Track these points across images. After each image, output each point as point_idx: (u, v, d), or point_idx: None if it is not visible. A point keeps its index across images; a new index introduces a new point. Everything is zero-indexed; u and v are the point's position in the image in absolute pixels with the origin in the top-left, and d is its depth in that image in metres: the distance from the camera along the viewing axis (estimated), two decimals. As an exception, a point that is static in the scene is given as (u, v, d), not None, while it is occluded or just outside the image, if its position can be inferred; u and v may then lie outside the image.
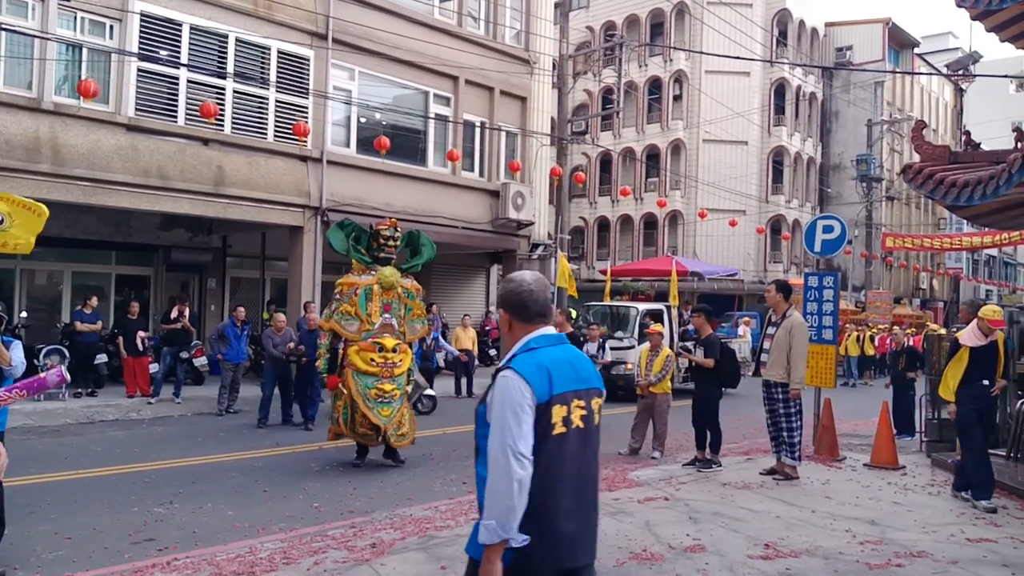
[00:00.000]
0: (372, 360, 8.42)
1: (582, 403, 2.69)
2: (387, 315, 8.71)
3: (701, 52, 29.53)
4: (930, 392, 10.85)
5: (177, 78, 14.04)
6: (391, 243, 8.92)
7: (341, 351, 8.81)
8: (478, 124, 19.06)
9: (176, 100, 14.01)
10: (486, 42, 18.98)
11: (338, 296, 8.79)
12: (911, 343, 16.57)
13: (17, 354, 5.43)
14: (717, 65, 33.07)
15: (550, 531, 2.58)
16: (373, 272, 8.81)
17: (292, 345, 11.78)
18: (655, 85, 36.69)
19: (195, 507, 6.91)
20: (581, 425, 2.67)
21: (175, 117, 13.95)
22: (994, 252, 49.38)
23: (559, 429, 2.60)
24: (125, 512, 6.70)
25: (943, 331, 12.10)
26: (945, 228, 44.85)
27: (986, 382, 7.34)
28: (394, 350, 8.56)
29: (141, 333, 13.20)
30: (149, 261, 17.16)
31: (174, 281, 17.35)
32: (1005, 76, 30.13)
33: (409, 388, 9.00)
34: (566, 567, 2.64)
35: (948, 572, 5.23)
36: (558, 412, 2.60)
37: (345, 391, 8.53)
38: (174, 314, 13.41)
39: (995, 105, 55.11)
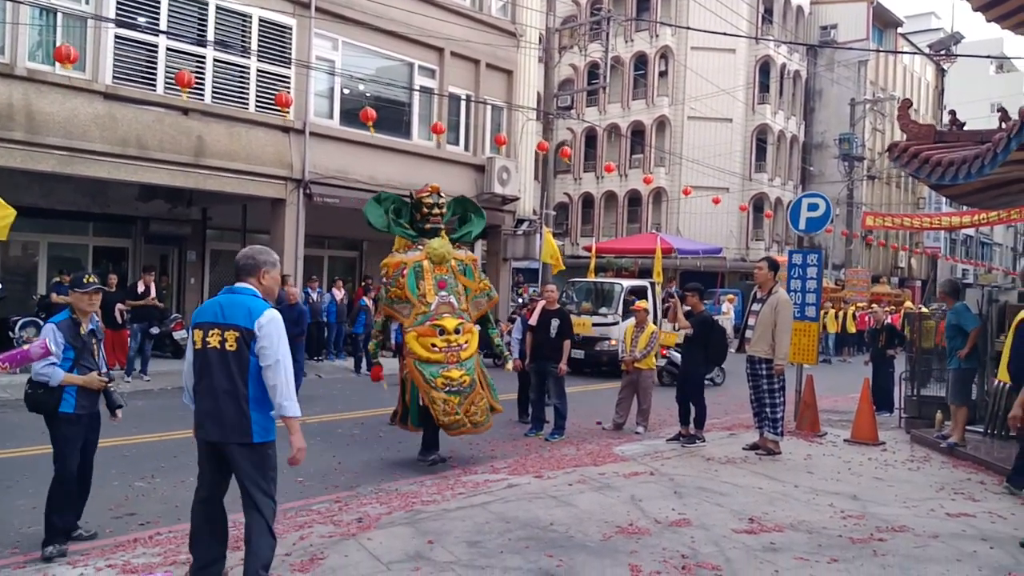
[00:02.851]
0: (433, 345, 7.39)
1: (218, 332, 4.00)
2: (443, 292, 7.64)
3: (688, 27, 29.38)
4: (909, 369, 10.99)
5: (156, 46, 13.75)
6: (436, 211, 7.95)
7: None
8: (463, 97, 18.88)
9: (155, 68, 13.72)
10: (472, 13, 18.75)
11: (385, 280, 7.83)
12: (890, 320, 16.70)
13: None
14: (703, 42, 32.96)
15: (195, 411, 4.13)
16: (420, 247, 7.81)
17: None
18: (641, 61, 36.53)
19: (177, 481, 6.84)
20: (217, 347, 3.99)
21: (154, 86, 13.68)
22: (971, 232, 49.89)
23: (197, 346, 4.07)
24: (105, 486, 6.61)
25: (926, 309, 12.17)
26: (924, 207, 45.21)
27: None
28: (457, 331, 7.51)
29: (120, 306, 13.01)
30: (127, 233, 16.92)
31: (153, 253, 17.15)
32: (987, 57, 30.25)
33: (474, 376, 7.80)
34: (200, 438, 4.11)
35: (929, 546, 5.29)
36: (196, 334, 4.07)
37: (408, 384, 7.63)
38: (141, 288, 13.13)
39: (975, 86, 55.38)
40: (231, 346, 3.98)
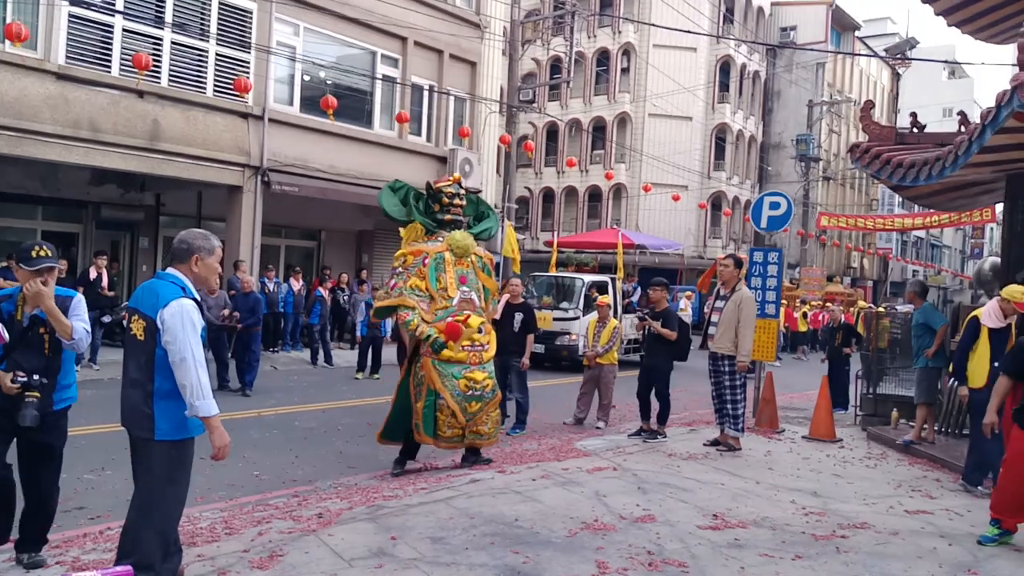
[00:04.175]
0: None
1: (134, 318, 3.75)
2: (464, 288, 7.11)
3: (650, 24, 29.51)
4: (864, 368, 11.16)
5: (111, 26, 13.33)
6: (456, 201, 7.38)
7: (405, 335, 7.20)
8: (426, 87, 18.68)
9: (110, 49, 13.31)
10: (436, 3, 18.55)
11: (401, 269, 7.08)
12: (843, 319, 16.97)
13: (80, 323, 4.24)
14: (665, 39, 33.14)
15: None
16: (440, 238, 7.25)
17: (227, 312, 11.36)
18: (603, 56, 36.61)
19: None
20: (133, 333, 3.74)
21: (109, 67, 13.27)
22: (922, 234, 51.11)
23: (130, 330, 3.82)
24: (54, 479, 6.38)
25: (881, 309, 12.39)
26: (877, 209, 46.21)
27: (996, 364, 6.77)
28: (480, 330, 7.04)
29: (70, 292, 12.56)
30: (78, 218, 16.39)
31: (104, 239, 16.65)
32: (944, 62, 30.93)
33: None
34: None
35: (890, 543, 5.33)
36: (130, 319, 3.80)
37: (424, 387, 6.86)
38: (93, 274, 12.69)
39: (928, 91, 56.80)
40: (140, 336, 3.70)
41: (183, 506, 4.03)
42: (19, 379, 4.01)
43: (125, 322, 3.88)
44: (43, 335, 4.19)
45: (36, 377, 4.04)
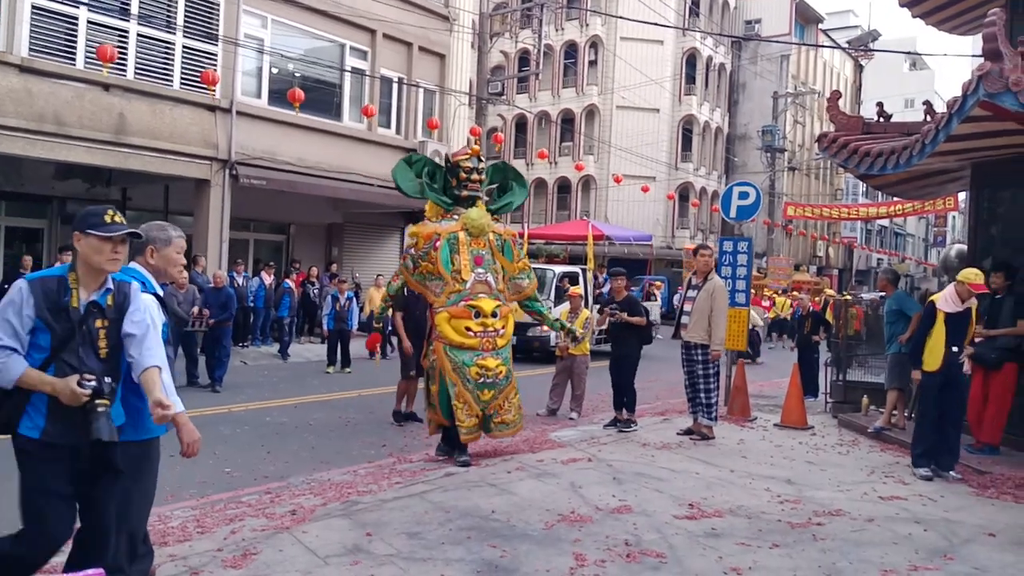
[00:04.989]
0: (468, 329, 6.68)
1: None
2: (480, 270, 6.87)
3: (617, 16, 29.54)
4: (833, 355, 11.28)
5: (76, 18, 13.03)
6: (475, 176, 7.13)
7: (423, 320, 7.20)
8: (395, 80, 18.54)
9: (75, 41, 13.02)
10: (404, -5, 18.41)
11: (413, 251, 6.98)
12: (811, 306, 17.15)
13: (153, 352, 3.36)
14: (632, 32, 33.24)
15: None
16: (455, 216, 7.05)
17: (196, 310, 11.13)
18: (571, 49, 36.64)
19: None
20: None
21: (73, 60, 12.98)
22: (886, 223, 51.87)
23: None
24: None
25: (848, 296, 12.55)
26: (841, 198, 46.81)
27: (955, 349, 6.94)
28: (494, 314, 6.80)
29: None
30: (43, 213, 16.03)
31: (69, 235, 16.15)
32: (907, 53, 31.37)
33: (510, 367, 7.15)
34: None
35: (866, 530, 5.38)
36: None
37: (436, 371, 6.85)
38: None
39: (890, 82, 57.55)
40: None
41: (151, 506, 3.93)
42: (88, 384, 3.08)
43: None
44: (99, 329, 3.25)
45: (108, 380, 3.18)
